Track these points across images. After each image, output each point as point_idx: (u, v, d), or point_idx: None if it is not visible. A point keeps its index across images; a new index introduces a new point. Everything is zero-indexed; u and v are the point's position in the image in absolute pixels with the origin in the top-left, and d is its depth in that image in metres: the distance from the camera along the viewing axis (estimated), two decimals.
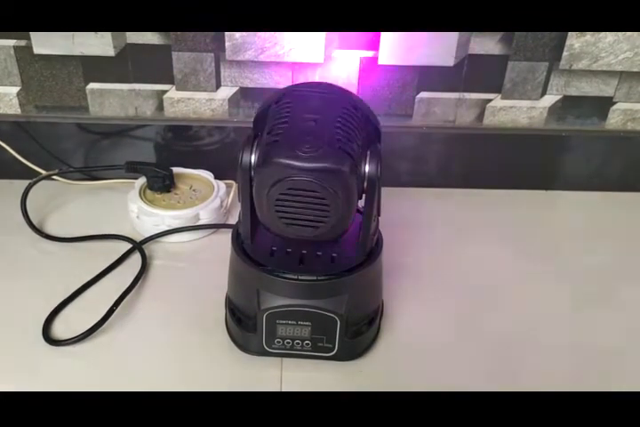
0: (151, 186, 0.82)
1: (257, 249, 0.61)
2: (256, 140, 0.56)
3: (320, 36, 0.81)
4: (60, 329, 0.67)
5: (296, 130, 0.54)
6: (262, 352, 0.64)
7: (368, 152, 0.56)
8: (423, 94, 0.86)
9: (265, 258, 0.61)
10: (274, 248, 0.62)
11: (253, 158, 0.56)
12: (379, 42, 0.81)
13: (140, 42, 0.81)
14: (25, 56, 0.82)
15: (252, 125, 0.60)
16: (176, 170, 0.84)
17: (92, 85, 0.85)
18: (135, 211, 0.80)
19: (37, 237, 0.79)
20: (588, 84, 0.86)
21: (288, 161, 0.52)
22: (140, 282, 0.73)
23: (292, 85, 0.59)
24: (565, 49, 0.83)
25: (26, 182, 0.80)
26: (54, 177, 0.86)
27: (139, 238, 0.79)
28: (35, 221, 0.80)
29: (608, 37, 0.81)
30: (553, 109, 0.88)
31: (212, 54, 0.83)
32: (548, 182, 0.93)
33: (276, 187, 0.53)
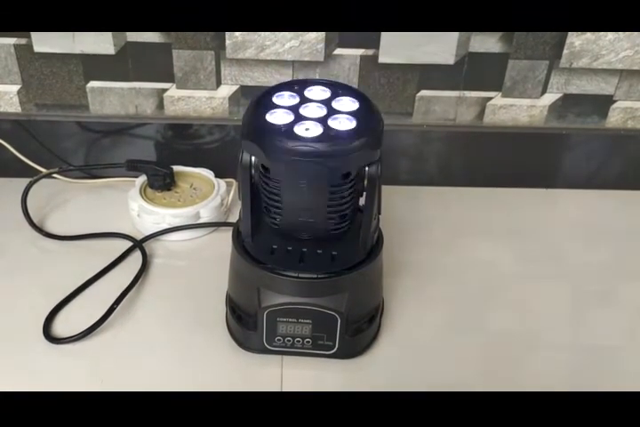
0: (152, 184, 0.82)
1: (257, 247, 0.62)
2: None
3: (320, 35, 0.81)
4: (61, 327, 0.67)
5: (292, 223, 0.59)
6: (263, 350, 0.64)
7: None
8: (423, 92, 0.86)
9: (265, 256, 0.61)
10: (274, 246, 0.62)
11: (254, 156, 0.56)
12: (379, 40, 0.81)
13: (141, 40, 0.81)
14: (25, 54, 0.82)
15: None
16: (176, 168, 0.84)
17: (93, 84, 0.85)
18: (136, 209, 0.80)
19: (38, 235, 0.79)
20: (588, 82, 0.86)
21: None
22: (140, 280, 0.73)
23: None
24: (566, 47, 0.82)
25: (26, 181, 0.80)
26: (55, 175, 0.86)
27: (139, 237, 0.79)
28: (35, 220, 0.80)
29: (608, 35, 0.81)
30: (553, 108, 0.88)
31: (213, 52, 0.83)
32: (549, 181, 0.92)
33: None
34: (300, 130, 0.52)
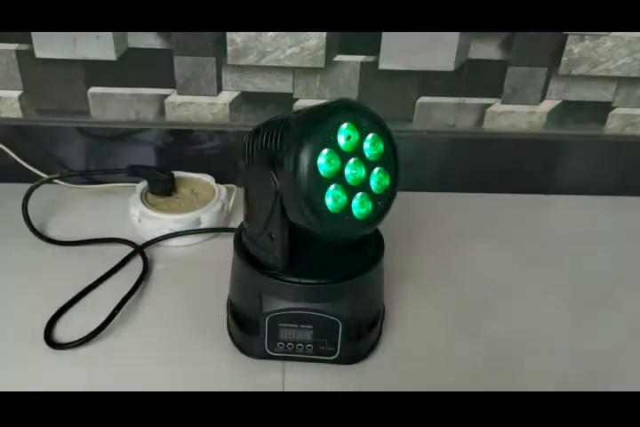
0: (152, 190, 0.82)
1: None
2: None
3: (321, 41, 0.81)
4: (62, 333, 0.67)
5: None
6: (264, 356, 0.64)
7: None
8: (423, 99, 0.87)
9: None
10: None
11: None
12: (379, 47, 0.82)
13: (142, 46, 0.82)
14: (27, 60, 0.83)
15: (252, 129, 0.59)
16: (177, 174, 0.84)
17: (94, 89, 0.85)
18: (136, 215, 0.80)
19: (38, 240, 0.79)
20: (586, 89, 0.86)
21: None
22: (141, 286, 0.73)
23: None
24: (565, 54, 0.83)
25: (27, 186, 0.80)
26: (55, 181, 0.86)
27: (140, 242, 0.79)
28: (36, 225, 0.80)
29: (607, 43, 0.82)
30: (552, 114, 0.89)
31: (214, 59, 0.83)
32: (547, 186, 0.93)
33: None
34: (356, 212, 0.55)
